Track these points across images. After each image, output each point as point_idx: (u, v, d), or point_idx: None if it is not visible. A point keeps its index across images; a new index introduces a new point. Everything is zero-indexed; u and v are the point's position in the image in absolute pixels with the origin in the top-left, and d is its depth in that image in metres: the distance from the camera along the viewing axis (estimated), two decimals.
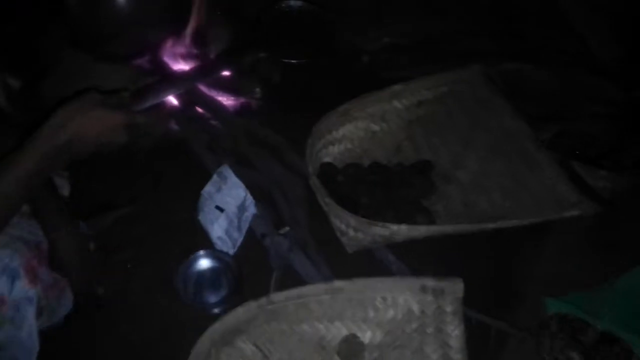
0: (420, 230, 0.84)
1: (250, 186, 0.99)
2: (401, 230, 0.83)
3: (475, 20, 1.31)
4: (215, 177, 0.97)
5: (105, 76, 1.10)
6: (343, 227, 0.88)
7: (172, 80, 0.80)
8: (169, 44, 1.17)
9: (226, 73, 1.22)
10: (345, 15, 1.33)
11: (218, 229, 0.95)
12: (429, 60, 1.24)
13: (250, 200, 0.95)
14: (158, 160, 1.09)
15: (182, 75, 0.83)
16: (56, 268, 0.83)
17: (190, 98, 1.16)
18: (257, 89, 1.21)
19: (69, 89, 1.08)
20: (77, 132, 0.71)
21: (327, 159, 1.06)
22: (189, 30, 1.19)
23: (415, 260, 0.93)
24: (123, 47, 1.16)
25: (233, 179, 0.96)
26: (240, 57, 1.19)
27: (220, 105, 1.17)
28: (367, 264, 0.93)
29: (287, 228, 0.97)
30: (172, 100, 1.16)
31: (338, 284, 0.81)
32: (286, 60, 1.22)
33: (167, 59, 1.19)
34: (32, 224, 0.79)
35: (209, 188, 0.97)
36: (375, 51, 1.29)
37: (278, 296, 0.80)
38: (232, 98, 1.21)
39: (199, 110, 1.16)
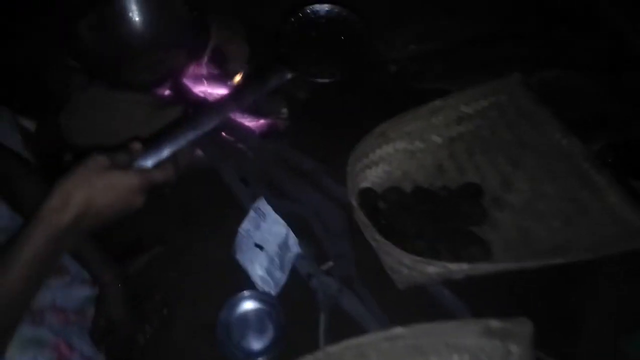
0: (481, 269, 0.79)
1: (288, 218, 0.93)
2: (461, 269, 0.77)
3: (503, 22, 1.23)
4: (252, 213, 0.92)
5: (124, 107, 1.04)
6: (395, 264, 0.83)
7: (192, 120, 0.68)
8: (188, 66, 1.11)
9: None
10: (366, 20, 1.27)
11: (259, 268, 0.89)
12: (461, 69, 1.18)
13: (293, 239, 0.89)
14: (186, 192, 1.02)
15: (206, 111, 0.76)
16: (103, 320, 0.80)
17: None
18: (284, 110, 1.15)
19: (87, 123, 1.04)
20: (84, 207, 0.59)
21: (365, 184, 1.00)
22: (208, 50, 1.14)
23: (471, 294, 0.87)
24: (141, 74, 1.10)
25: (272, 215, 0.90)
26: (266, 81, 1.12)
27: (247, 130, 1.11)
28: (419, 299, 0.88)
29: (330, 263, 0.91)
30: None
31: (397, 330, 0.76)
32: (315, 80, 1.15)
33: (188, 82, 1.12)
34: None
35: (246, 225, 0.91)
36: (402, 59, 1.23)
37: (334, 347, 0.75)
38: (257, 119, 1.14)
39: (225, 134, 1.11)
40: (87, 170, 0.60)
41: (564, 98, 1.07)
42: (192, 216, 1.01)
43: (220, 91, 1.16)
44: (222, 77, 1.17)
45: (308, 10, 1.21)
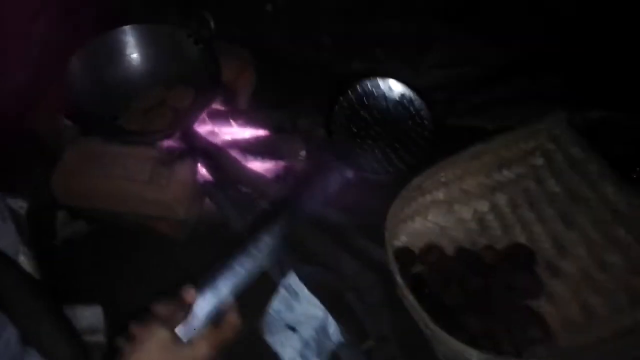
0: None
1: (319, 289, 0.84)
2: None
3: (541, 47, 1.12)
4: (282, 291, 0.82)
5: (124, 163, 0.91)
6: (449, 354, 0.74)
7: (250, 242, 0.57)
8: (199, 108, 0.97)
9: (265, 134, 1.05)
10: (385, 43, 1.15)
11: (291, 351, 0.80)
12: (494, 102, 1.08)
13: (333, 326, 0.80)
14: (200, 256, 0.91)
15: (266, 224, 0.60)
16: None
17: (223, 171, 0.99)
18: (303, 152, 1.03)
19: (82, 183, 0.91)
20: None
21: (402, 239, 0.92)
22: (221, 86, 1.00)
23: None
24: (141, 121, 0.96)
25: (305, 294, 0.81)
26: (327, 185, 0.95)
27: (263, 179, 1.00)
28: None
29: (371, 343, 0.83)
30: (204, 172, 1.00)
31: None
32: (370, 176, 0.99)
33: (197, 127, 1.00)
34: None
35: (277, 305, 0.81)
36: (429, 88, 1.11)
37: None
38: (272, 161, 1.04)
39: (238, 184, 0.99)
40: (153, 353, 0.52)
41: (613, 141, 0.98)
42: None
43: (227, 130, 1.05)
44: (228, 114, 1.05)
45: (368, 86, 0.99)
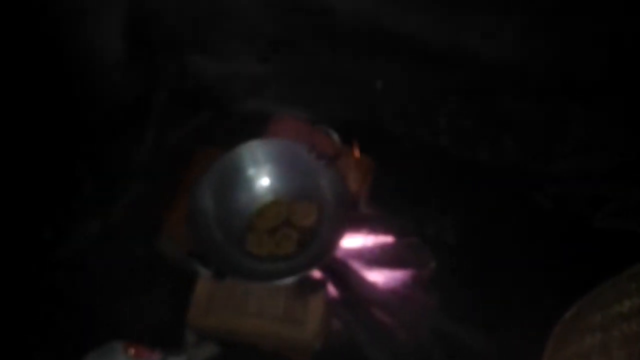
0: None
1: None
2: None
3: None
4: None
5: (260, 298, 0.87)
6: None
7: None
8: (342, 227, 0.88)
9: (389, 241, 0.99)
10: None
11: None
12: None
13: None
14: None
15: None
16: None
17: (352, 290, 0.93)
18: (432, 262, 0.95)
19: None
20: None
21: None
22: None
23: None
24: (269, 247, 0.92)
25: None
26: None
27: (391, 295, 0.94)
28: None
29: None
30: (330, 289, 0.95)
31: None
32: None
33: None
34: None
35: None
36: (562, 179, 1.02)
37: None
38: (397, 271, 0.96)
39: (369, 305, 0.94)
40: None
41: None
42: None
43: (349, 240, 0.97)
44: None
45: None
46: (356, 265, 0.95)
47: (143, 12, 0.98)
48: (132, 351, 0.82)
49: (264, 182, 0.96)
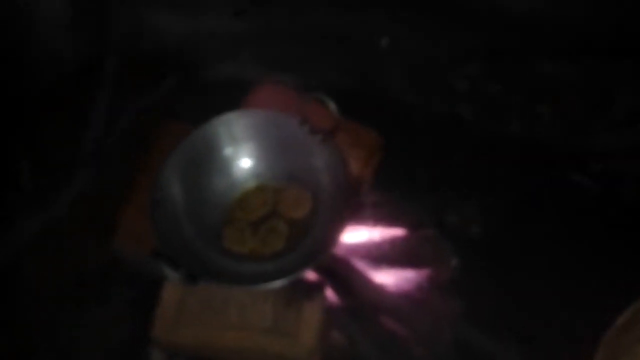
0: None
1: None
2: None
3: None
4: None
5: (239, 302, 0.78)
6: None
7: None
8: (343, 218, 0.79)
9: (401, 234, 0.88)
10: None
11: None
12: None
13: None
14: None
15: None
16: None
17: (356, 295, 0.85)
18: (454, 260, 0.84)
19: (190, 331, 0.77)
20: None
21: None
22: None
23: None
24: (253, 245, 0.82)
25: None
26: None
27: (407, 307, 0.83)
28: None
29: None
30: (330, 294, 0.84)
31: None
32: None
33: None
34: None
35: None
36: (610, 155, 0.89)
37: None
38: (410, 271, 0.86)
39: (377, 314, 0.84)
40: None
41: None
42: None
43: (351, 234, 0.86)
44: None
45: None
46: (360, 265, 0.88)
47: None
48: None
49: (244, 163, 0.87)
